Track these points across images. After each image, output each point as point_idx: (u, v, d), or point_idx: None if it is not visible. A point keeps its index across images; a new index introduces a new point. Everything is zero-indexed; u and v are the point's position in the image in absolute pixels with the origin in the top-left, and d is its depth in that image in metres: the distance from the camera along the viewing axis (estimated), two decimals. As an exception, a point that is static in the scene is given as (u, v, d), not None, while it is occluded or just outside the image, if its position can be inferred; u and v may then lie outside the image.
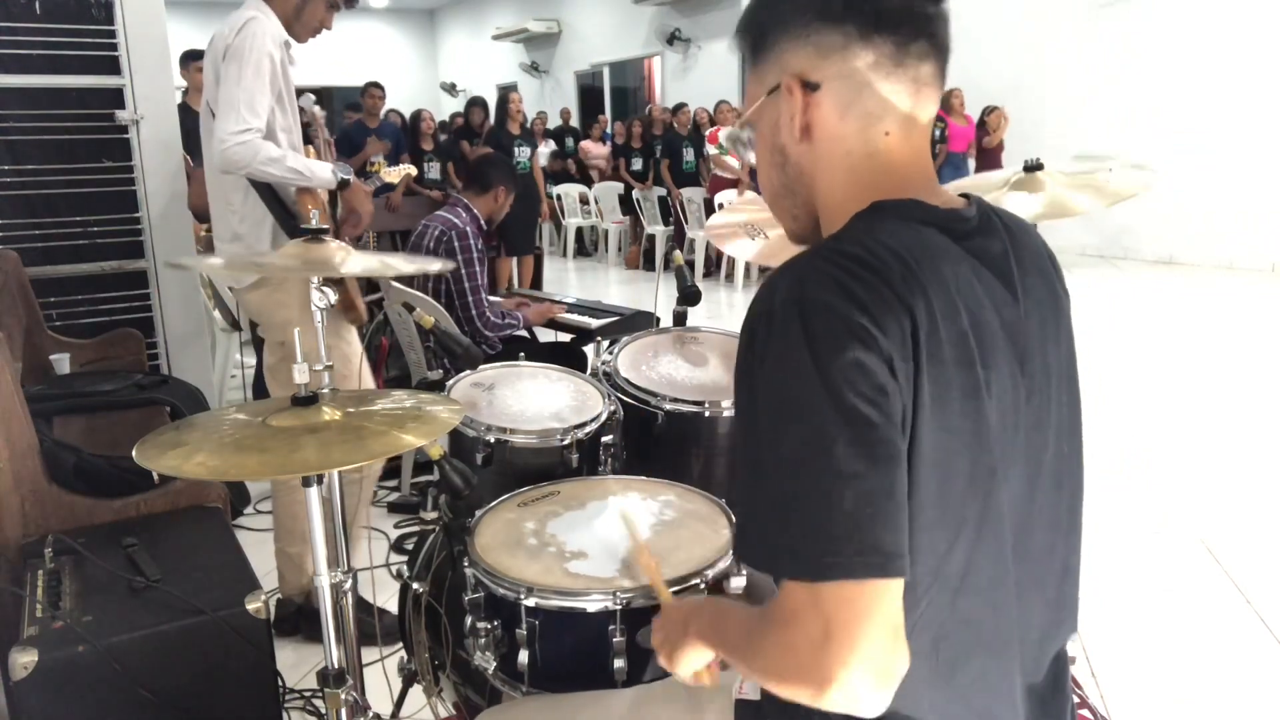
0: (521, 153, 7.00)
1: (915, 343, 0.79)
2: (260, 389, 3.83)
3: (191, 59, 4.60)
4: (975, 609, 0.86)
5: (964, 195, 0.97)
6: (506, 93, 7.23)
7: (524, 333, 3.77)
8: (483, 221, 3.56)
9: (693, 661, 1.00)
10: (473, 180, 3.66)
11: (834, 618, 0.75)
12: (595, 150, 11.44)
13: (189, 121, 3.86)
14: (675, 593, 1.29)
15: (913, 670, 0.79)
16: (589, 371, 2.13)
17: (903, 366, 0.78)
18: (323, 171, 2.27)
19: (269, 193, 2.29)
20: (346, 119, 7.75)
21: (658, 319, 2.74)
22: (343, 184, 2.33)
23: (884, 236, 0.84)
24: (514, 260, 6.86)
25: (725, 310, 7.49)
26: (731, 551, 1.39)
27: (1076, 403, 1.00)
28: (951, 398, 0.81)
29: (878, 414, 0.76)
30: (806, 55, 0.89)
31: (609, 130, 12.21)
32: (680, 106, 9.44)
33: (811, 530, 0.76)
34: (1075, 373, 1.00)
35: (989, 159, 8.41)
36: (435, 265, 2.03)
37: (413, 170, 5.88)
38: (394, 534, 3.27)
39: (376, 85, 7.42)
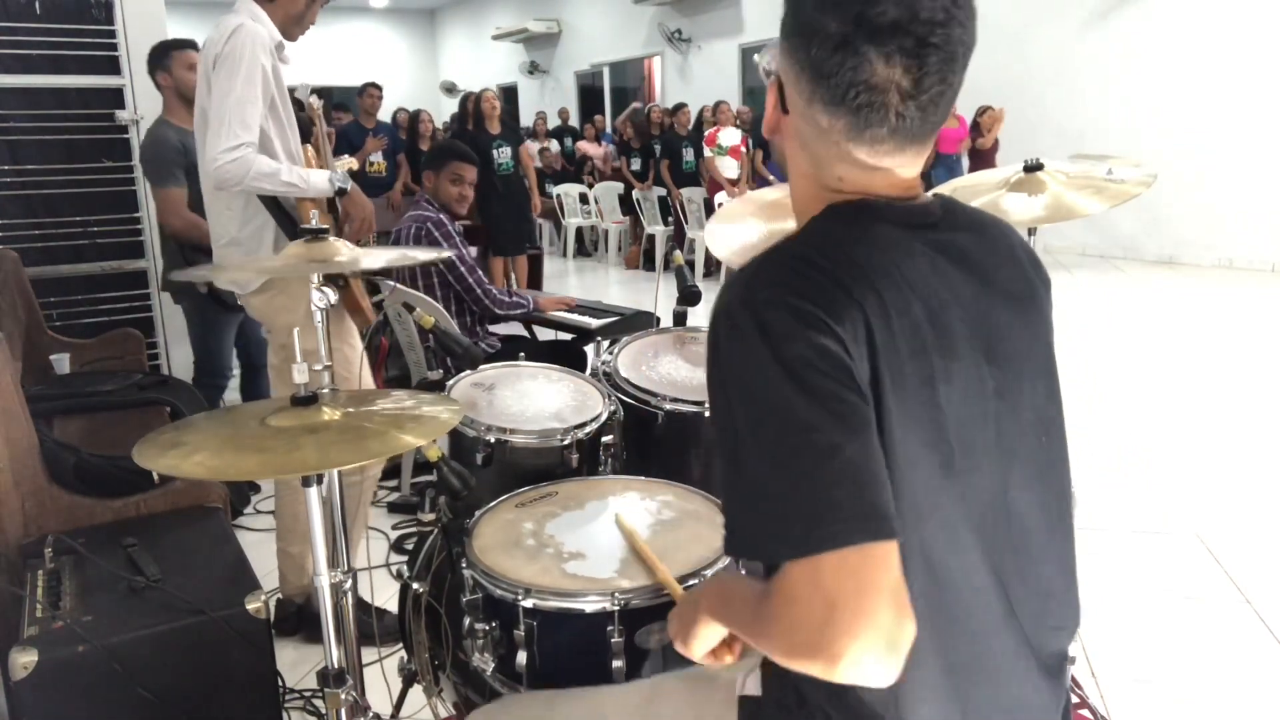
0: (501, 153, 6.78)
1: (869, 335, 0.82)
2: (248, 391, 3.81)
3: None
4: (942, 601, 0.86)
5: (936, 194, 0.98)
6: (481, 93, 7.01)
7: (524, 332, 3.77)
8: (451, 209, 3.49)
9: (707, 640, 0.99)
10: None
11: (836, 591, 0.75)
12: (593, 151, 11.44)
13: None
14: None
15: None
16: (589, 371, 2.13)
17: (859, 354, 0.81)
18: (320, 181, 2.26)
19: (270, 199, 2.28)
20: (336, 119, 7.68)
21: (658, 319, 2.74)
22: (340, 191, 2.32)
23: (834, 238, 0.89)
24: (507, 261, 6.81)
25: (725, 310, 7.47)
26: (724, 552, 1.39)
27: (1056, 395, 0.99)
28: (907, 387, 0.83)
29: (843, 389, 0.79)
30: (787, 72, 0.92)
31: (607, 130, 12.20)
32: (680, 106, 9.42)
33: (801, 508, 0.78)
34: (1054, 366, 1.00)
35: (983, 160, 8.39)
36: (446, 253, 2.03)
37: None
38: (394, 534, 3.27)
39: (375, 85, 7.40)
